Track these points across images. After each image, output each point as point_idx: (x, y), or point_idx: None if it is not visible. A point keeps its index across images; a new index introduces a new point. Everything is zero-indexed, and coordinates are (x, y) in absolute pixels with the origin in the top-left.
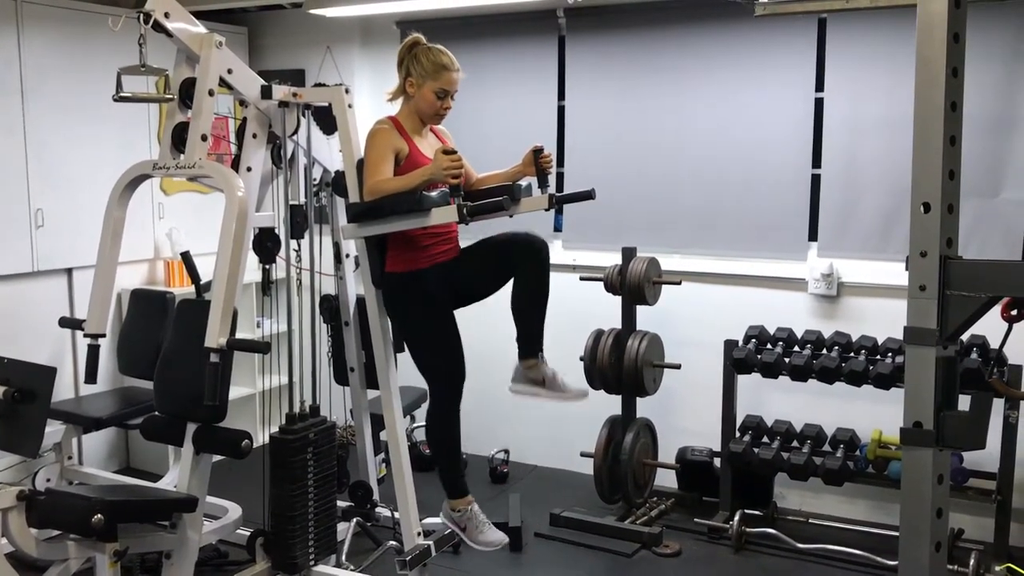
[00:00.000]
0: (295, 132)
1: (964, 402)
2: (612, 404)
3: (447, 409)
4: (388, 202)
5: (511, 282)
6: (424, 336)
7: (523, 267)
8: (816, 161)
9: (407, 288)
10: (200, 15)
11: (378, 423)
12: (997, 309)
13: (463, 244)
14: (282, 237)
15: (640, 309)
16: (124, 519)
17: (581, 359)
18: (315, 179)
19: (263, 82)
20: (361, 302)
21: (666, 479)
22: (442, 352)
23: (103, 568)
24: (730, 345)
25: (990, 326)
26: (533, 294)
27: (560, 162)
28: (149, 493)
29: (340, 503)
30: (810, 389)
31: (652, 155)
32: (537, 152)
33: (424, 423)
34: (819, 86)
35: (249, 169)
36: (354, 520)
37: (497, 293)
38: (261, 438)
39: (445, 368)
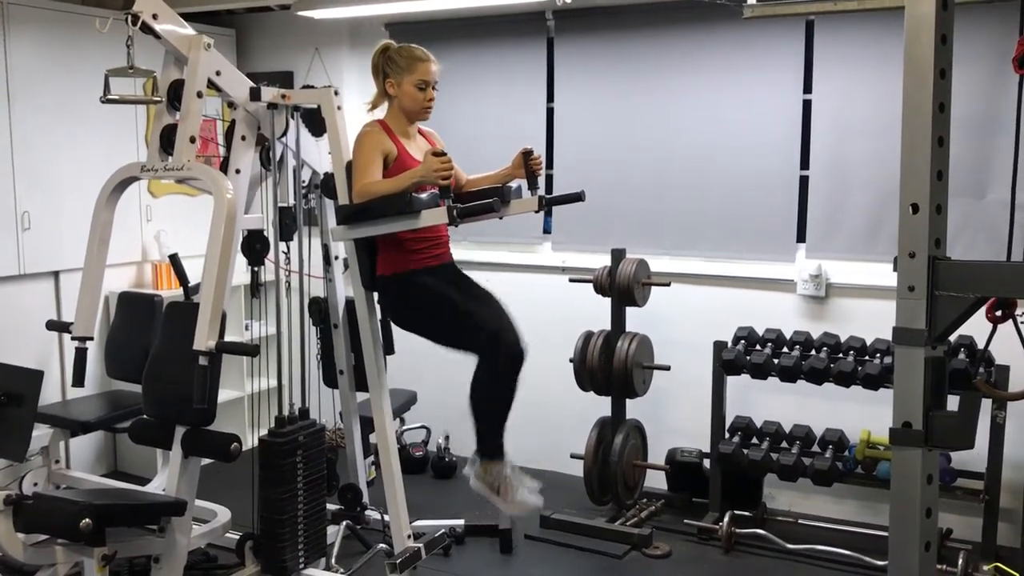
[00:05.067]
0: (284, 134)
1: (954, 403)
2: (602, 405)
3: (493, 369)
4: (378, 204)
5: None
6: (434, 322)
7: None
8: (804, 162)
9: (400, 287)
10: (188, 17)
11: (367, 426)
12: (981, 310)
13: (454, 249)
14: (271, 239)
15: (629, 310)
16: (112, 523)
17: (571, 361)
18: (304, 181)
19: (252, 84)
20: (350, 304)
21: (656, 480)
22: (459, 322)
23: (91, 572)
24: (719, 346)
25: (977, 327)
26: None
27: (549, 164)
28: (137, 497)
29: (330, 506)
30: (799, 390)
31: (641, 157)
32: (527, 154)
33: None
34: (807, 88)
35: (238, 171)
36: (344, 523)
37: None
38: (250, 441)
39: (475, 336)
